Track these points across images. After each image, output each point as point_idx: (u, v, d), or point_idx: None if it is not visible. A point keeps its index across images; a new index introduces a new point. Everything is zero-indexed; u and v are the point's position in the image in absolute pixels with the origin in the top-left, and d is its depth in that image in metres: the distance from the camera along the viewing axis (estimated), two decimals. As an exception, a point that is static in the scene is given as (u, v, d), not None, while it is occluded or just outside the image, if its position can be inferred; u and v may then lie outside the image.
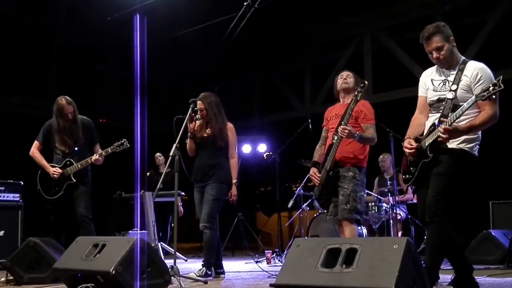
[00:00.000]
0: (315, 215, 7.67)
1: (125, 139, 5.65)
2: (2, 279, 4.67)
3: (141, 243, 3.76)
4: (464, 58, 3.79)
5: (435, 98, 3.79)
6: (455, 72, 3.71)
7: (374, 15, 9.55)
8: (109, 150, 5.63)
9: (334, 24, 10.13)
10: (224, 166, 5.27)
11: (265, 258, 7.19)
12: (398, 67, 9.11)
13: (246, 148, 10.29)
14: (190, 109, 5.09)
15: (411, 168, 3.80)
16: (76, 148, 5.64)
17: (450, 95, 3.64)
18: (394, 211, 7.05)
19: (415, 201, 6.94)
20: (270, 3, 8.38)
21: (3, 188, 6.44)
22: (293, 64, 11.10)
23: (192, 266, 6.48)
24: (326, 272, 2.78)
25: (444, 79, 3.77)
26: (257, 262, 6.98)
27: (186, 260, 7.72)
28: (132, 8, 8.27)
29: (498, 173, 8.10)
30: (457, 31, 8.99)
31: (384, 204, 7.33)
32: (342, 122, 4.56)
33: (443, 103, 3.68)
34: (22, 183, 6.60)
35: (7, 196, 6.46)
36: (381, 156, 7.93)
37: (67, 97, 5.61)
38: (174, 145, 4.73)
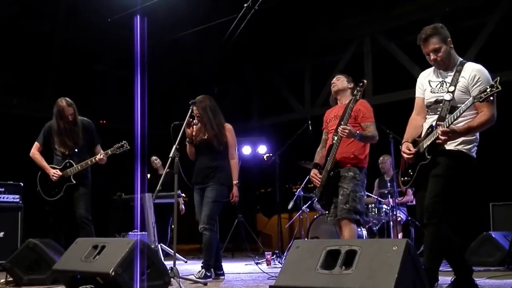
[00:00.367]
0: (315, 216, 7.67)
1: (125, 141, 5.64)
2: (2, 280, 4.67)
3: (140, 244, 3.76)
4: (461, 59, 3.80)
5: (433, 99, 3.78)
6: (452, 74, 3.71)
7: (374, 17, 9.56)
8: (109, 152, 5.63)
9: (334, 26, 10.14)
10: (224, 168, 5.27)
11: (265, 259, 7.19)
12: (398, 69, 9.11)
13: (246, 150, 10.30)
14: (188, 114, 5.09)
15: (409, 171, 3.80)
16: (76, 150, 5.64)
17: (447, 97, 3.64)
18: (394, 213, 7.05)
19: (415, 202, 6.94)
20: (270, 4, 8.39)
21: (3, 190, 6.44)
22: (293, 66, 11.11)
23: (192, 267, 6.48)
24: (326, 274, 2.78)
25: (442, 81, 3.77)
26: (257, 263, 6.98)
27: (186, 262, 7.71)
28: (132, 10, 8.28)
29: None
30: (457, 33, 9.01)
31: (384, 206, 7.33)
32: (342, 122, 4.56)
33: (441, 104, 3.68)
34: (22, 184, 6.60)
35: (7, 198, 6.46)
36: (381, 158, 7.93)
37: (67, 99, 5.61)
38: (174, 147, 4.74)
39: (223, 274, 5.37)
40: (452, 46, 3.75)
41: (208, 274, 5.00)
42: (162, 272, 3.99)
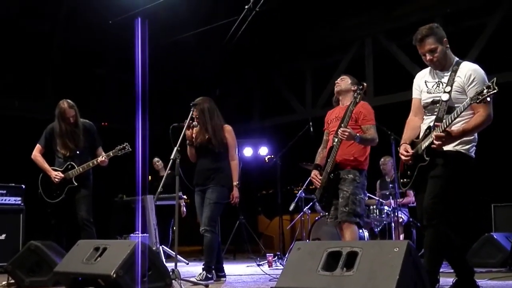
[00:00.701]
0: (316, 218, 7.67)
1: (126, 143, 5.65)
2: (4, 282, 4.68)
3: (142, 246, 3.76)
4: (457, 59, 3.78)
5: (429, 100, 3.77)
6: (448, 74, 3.70)
7: (375, 18, 9.56)
8: (111, 154, 5.64)
9: (335, 26, 10.14)
10: (225, 169, 5.28)
11: (266, 261, 7.19)
12: (399, 70, 9.10)
13: (248, 151, 10.29)
14: (189, 116, 5.11)
15: (408, 172, 3.79)
16: (77, 152, 5.65)
17: (444, 97, 3.63)
18: (396, 214, 7.04)
19: (416, 204, 6.93)
20: (271, 6, 8.39)
21: (4, 192, 6.45)
22: (294, 67, 11.10)
23: (193, 269, 6.48)
24: (327, 275, 2.78)
25: (438, 81, 3.76)
26: (258, 265, 6.98)
27: (188, 264, 7.71)
28: (133, 12, 8.29)
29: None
30: (458, 34, 9.04)
31: (386, 207, 7.32)
32: (342, 125, 4.57)
33: (438, 105, 3.67)
34: (24, 186, 6.60)
35: (9, 200, 6.46)
36: (382, 159, 7.92)
37: (69, 101, 5.62)
38: (175, 148, 4.75)
39: (224, 276, 5.37)
40: (448, 46, 3.74)
41: (209, 276, 5.00)
42: (164, 274, 4.00)
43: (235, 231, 8.89)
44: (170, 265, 4.53)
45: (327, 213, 4.91)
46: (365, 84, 4.65)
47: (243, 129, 10.65)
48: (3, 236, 6.30)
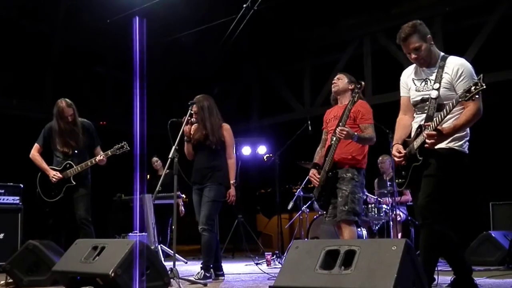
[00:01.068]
0: (315, 216, 7.67)
1: (125, 142, 5.65)
2: (2, 281, 4.67)
3: (140, 245, 3.76)
4: (442, 54, 3.74)
5: (419, 98, 3.75)
6: (435, 70, 3.67)
7: (374, 16, 9.57)
8: (109, 153, 5.63)
9: (334, 25, 10.15)
10: (222, 167, 5.28)
11: (265, 260, 7.19)
12: (397, 68, 9.07)
13: (246, 150, 10.28)
14: (188, 113, 5.11)
15: (403, 172, 3.76)
16: (76, 151, 5.64)
17: (433, 94, 3.60)
18: (394, 212, 7.04)
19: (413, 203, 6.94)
20: (269, 5, 8.39)
21: (2, 191, 6.44)
22: (292, 66, 11.11)
23: (192, 268, 6.48)
24: (325, 274, 2.79)
25: (425, 78, 3.73)
26: (257, 264, 6.98)
27: (186, 262, 7.71)
28: (131, 11, 8.28)
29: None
30: (457, 32, 9.01)
31: (384, 206, 7.32)
32: (340, 124, 4.56)
33: (427, 103, 3.65)
34: (22, 185, 6.60)
35: (7, 199, 6.45)
36: (380, 158, 7.92)
37: (67, 100, 5.62)
38: (173, 147, 4.74)
39: (223, 275, 5.37)
40: (432, 42, 3.70)
41: (208, 275, 5.00)
42: (162, 273, 4.00)
43: (233, 230, 8.89)
44: (168, 264, 4.53)
45: (325, 212, 4.90)
46: (363, 82, 4.64)
47: (242, 128, 10.66)
48: (1, 236, 6.29)
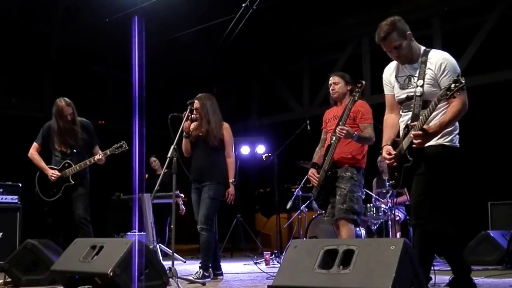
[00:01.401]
0: (313, 216, 7.68)
1: (123, 141, 5.65)
2: (0, 281, 4.67)
3: (139, 244, 3.76)
4: (424, 48, 3.67)
5: (404, 96, 3.68)
6: (418, 66, 3.59)
7: (372, 16, 9.56)
8: (108, 152, 5.64)
9: (332, 25, 10.15)
10: (221, 166, 5.28)
11: (263, 259, 7.20)
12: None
13: (245, 150, 10.29)
14: (188, 109, 5.12)
15: (395, 173, 3.69)
16: (75, 150, 5.64)
17: (418, 92, 3.53)
18: (393, 212, 7.05)
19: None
20: (268, 4, 8.39)
21: (1, 190, 6.44)
22: (291, 65, 11.11)
23: (190, 267, 6.49)
24: (323, 273, 2.78)
25: (409, 75, 3.66)
26: (256, 263, 6.99)
27: (185, 262, 7.71)
28: (130, 10, 8.28)
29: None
30: (455, 32, 9.00)
31: (383, 205, 7.33)
32: (340, 123, 4.57)
33: (412, 100, 3.57)
34: (21, 185, 6.60)
35: (6, 198, 6.45)
36: (379, 157, 7.91)
37: (66, 99, 5.61)
38: (172, 147, 4.74)
39: (221, 274, 5.37)
40: (412, 38, 3.62)
41: (206, 274, 5.00)
42: (161, 272, 3.99)
43: (232, 229, 8.89)
44: (167, 264, 4.53)
45: (324, 211, 4.90)
46: (363, 82, 4.64)
47: (241, 127, 10.66)
48: (0, 235, 6.29)
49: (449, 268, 3.80)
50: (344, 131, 4.45)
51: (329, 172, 4.66)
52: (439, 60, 3.52)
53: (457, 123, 3.61)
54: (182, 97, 5.99)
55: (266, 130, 10.98)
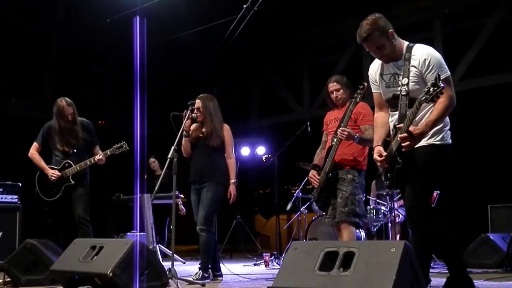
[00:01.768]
0: (313, 217, 7.67)
1: (124, 142, 5.65)
2: (0, 280, 4.67)
3: (139, 245, 3.76)
4: (407, 43, 3.57)
5: (390, 95, 3.61)
6: (402, 63, 3.50)
7: (373, 18, 9.55)
8: (108, 152, 5.64)
9: (333, 26, 10.14)
10: (220, 167, 5.28)
11: (263, 260, 7.19)
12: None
13: (245, 151, 10.28)
14: (189, 109, 5.12)
15: (388, 174, 3.60)
16: (75, 150, 5.64)
17: (403, 91, 3.44)
18: (393, 214, 7.03)
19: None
20: (269, 5, 8.38)
21: (1, 190, 6.44)
22: (292, 66, 11.11)
23: (190, 268, 6.48)
24: (323, 275, 2.78)
25: (394, 72, 3.57)
26: (255, 264, 6.98)
27: (184, 263, 7.71)
28: (131, 10, 8.28)
29: (496, 176, 8.11)
30: (456, 34, 8.98)
31: (383, 207, 7.32)
32: (342, 124, 4.57)
33: (399, 100, 3.47)
34: (20, 184, 6.59)
35: (5, 198, 6.45)
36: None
37: (66, 98, 5.62)
38: (172, 147, 4.74)
39: (221, 275, 5.37)
40: (395, 36, 3.52)
41: (206, 275, 5.00)
42: (160, 273, 3.99)
43: (232, 230, 8.89)
44: (166, 264, 4.52)
45: (324, 213, 4.90)
46: (365, 84, 4.62)
47: (241, 128, 10.65)
48: (-1, 234, 6.29)
49: (446, 270, 3.78)
50: (346, 133, 4.45)
51: (330, 174, 4.66)
52: (422, 55, 3.43)
53: (447, 118, 3.52)
54: (182, 98, 6.00)
55: (266, 131, 10.98)
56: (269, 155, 8.71)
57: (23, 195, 6.56)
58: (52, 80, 9.87)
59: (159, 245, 7.75)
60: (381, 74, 3.68)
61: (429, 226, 3.46)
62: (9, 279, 4.63)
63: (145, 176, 8.90)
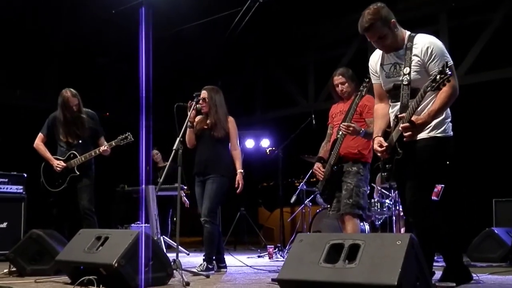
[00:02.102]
0: (317, 210, 7.68)
1: (129, 133, 5.66)
2: (5, 270, 4.69)
3: (144, 236, 3.76)
4: (409, 33, 3.54)
5: (391, 85, 3.57)
6: (403, 53, 3.47)
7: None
8: (113, 143, 5.64)
9: (339, 20, 10.10)
10: (225, 159, 5.27)
11: (267, 253, 7.21)
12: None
13: (249, 143, 10.29)
14: (195, 100, 5.12)
15: (387, 166, 3.59)
16: (80, 141, 5.65)
17: (405, 80, 3.41)
18: (397, 207, 7.03)
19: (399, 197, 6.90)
20: (274, -2, 8.35)
21: (6, 180, 6.46)
22: (297, 60, 11.07)
23: (194, 260, 6.50)
24: (329, 267, 2.78)
25: (394, 62, 3.54)
26: (259, 256, 6.99)
27: (188, 254, 7.73)
28: (136, 1, 8.25)
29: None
30: (462, 28, 8.94)
31: (387, 201, 7.32)
32: (347, 119, 4.56)
33: (400, 90, 3.45)
34: (25, 175, 6.61)
35: (10, 188, 6.48)
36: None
37: (71, 89, 5.62)
38: (178, 139, 4.73)
39: (225, 267, 5.38)
40: (397, 26, 3.48)
41: (210, 266, 5.01)
42: (165, 264, 4.00)
43: (235, 222, 8.90)
44: (170, 256, 4.53)
45: (328, 206, 4.90)
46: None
47: (245, 121, 10.65)
48: (4, 224, 6.32)
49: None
50: (351, 128, 4.45)
51: (335, 167, 4.66)
52: (425, 44, 3.40)
53: (448, 110, 3.49)
54: (187, 90, 5.99)
55: (271, 124, 10.97)
56: (274, 148, 8.71)
57: (28, 186, 6.59)
58: (57, 71, 9.87)
59: (163, 236, 7.76)
60: (382, 65, 3.64)
61: (430, 220, 3.47)
62: (14, 269, 4.64)
63: (148, 168, 8.91)
